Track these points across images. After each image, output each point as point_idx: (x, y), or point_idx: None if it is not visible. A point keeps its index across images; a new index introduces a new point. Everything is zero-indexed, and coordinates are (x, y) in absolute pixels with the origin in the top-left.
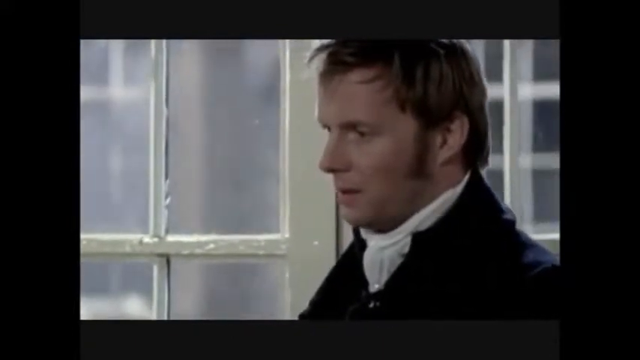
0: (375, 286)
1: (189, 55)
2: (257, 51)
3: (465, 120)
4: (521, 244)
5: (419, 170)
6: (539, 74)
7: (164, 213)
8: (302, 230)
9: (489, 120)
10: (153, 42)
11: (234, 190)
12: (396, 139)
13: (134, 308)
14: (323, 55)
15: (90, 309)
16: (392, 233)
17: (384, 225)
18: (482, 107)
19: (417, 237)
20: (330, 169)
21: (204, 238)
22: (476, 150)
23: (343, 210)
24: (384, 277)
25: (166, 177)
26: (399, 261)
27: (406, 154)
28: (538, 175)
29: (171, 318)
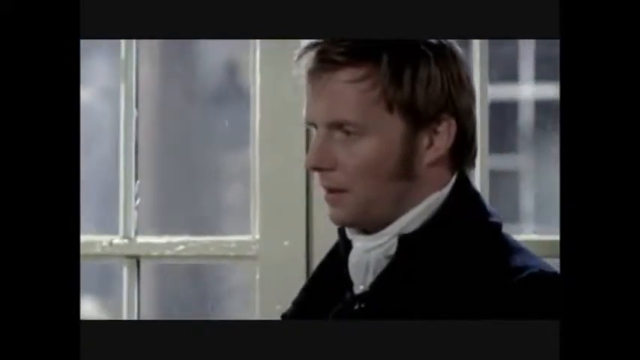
0: (360, 288)
1: (153, 55)
2: (226, 52)
3: (453, 122)
4: (508, 247)
5: (405, 171)
6: (492, 75)
7: (134, 214)
8: (272, 231)
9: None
10: (123, 43)
11: (204, 191)
12: (382, 139)
13: (103, 310)
14: (312, 53)
15: None
16: (378, 234)
17: (369, 225)
18: (470, 110)
19: (404, 239)
20: (315, 168)
21: (174, 239)
22: (463, 153)
23: (329, 209)
24: (370, 279)
25: (136, 178)
26: (385, 263)
27: (392, 154)
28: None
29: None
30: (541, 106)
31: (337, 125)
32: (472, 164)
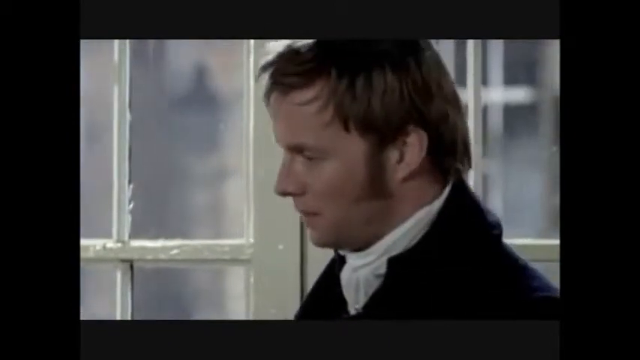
0: (354, 307)
1: (143, 57)
2: (217, 55)
3: (422, 133)
4: (508, 266)
5: (376, 190)
6: (461, 79)
7: (127, 218)
8: (267, 235)
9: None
10: (116, 44)
11: (197, 194)
12: (344, 161)
13: (97, 314)
14: (266, 74)
15: None
16: (365, 253)
17: (351, 245)
18: (444, 117)
19: (393, 261)
20: (284, 193)
21: (168, 243)
22: (445, 161)
23: (308, 231)
24: (362, 297)
25: (130, 182)
26: (374, 281)
27: (357, 175)
28: None
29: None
30: (510, 110)
31: (297, 149)
32: (460, 172)
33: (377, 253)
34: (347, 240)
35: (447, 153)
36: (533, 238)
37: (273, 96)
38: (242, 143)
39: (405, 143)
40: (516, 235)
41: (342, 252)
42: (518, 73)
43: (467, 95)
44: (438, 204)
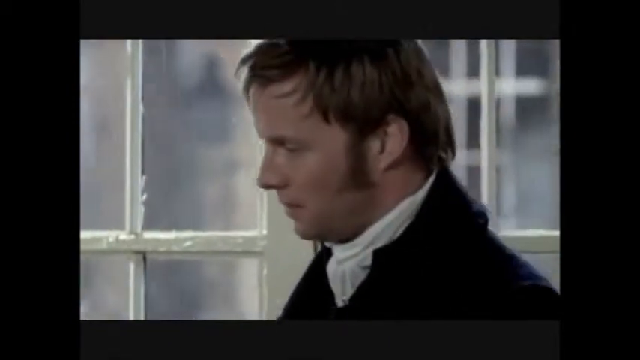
0: (342, 298)
1: (156, 51)
2: (228, 48)
3: (403, 123)
4: (493, 255)
5: (358, 181)
6: (472, 71)
7: (140, 209)
8: (279, 226)
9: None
10: (129, 39)
11: (210, 186)
12: (326, 152)
13: (110, 305)
14: (245, 68)
15: None
16: (351, 244)
17: (336, 237)
18: (425, 106)
19: (378, 253)
20: (266, 186)
21: (181, 234)
22: (427, 151)
23: (293, 223)
24: (349, 289)
25: (142, 174)
26: (360, 273)
27: (339, 166)
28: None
29: (149, 315)
30: (521, 101)
31: (278, 142)
32: (444, 161)
33: (362, 244)
34: (331, 231)
35: (430, 142)
36: (545, 229)
37: (252, 89)
38: (254, 135)
39: (386, 133)
40: (528, 226)
41: (327, 244)
42: (530, 64)
43: (480, 87)
44: (421, 194)
